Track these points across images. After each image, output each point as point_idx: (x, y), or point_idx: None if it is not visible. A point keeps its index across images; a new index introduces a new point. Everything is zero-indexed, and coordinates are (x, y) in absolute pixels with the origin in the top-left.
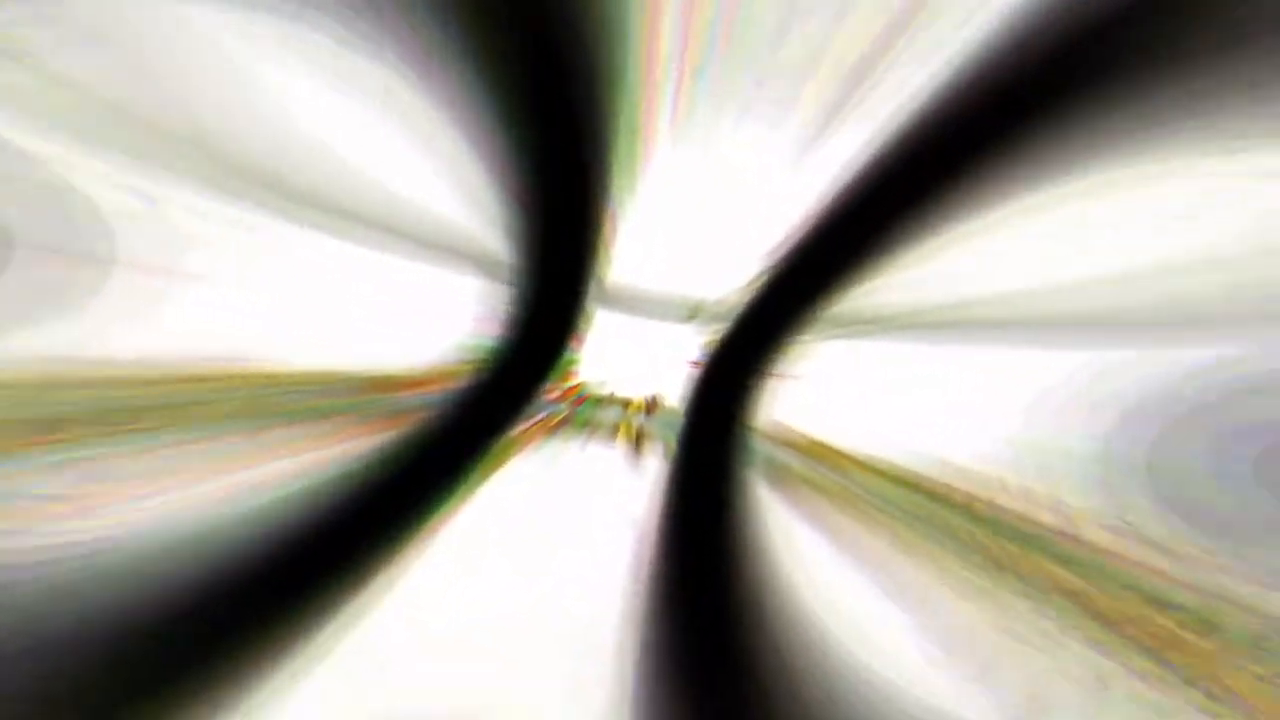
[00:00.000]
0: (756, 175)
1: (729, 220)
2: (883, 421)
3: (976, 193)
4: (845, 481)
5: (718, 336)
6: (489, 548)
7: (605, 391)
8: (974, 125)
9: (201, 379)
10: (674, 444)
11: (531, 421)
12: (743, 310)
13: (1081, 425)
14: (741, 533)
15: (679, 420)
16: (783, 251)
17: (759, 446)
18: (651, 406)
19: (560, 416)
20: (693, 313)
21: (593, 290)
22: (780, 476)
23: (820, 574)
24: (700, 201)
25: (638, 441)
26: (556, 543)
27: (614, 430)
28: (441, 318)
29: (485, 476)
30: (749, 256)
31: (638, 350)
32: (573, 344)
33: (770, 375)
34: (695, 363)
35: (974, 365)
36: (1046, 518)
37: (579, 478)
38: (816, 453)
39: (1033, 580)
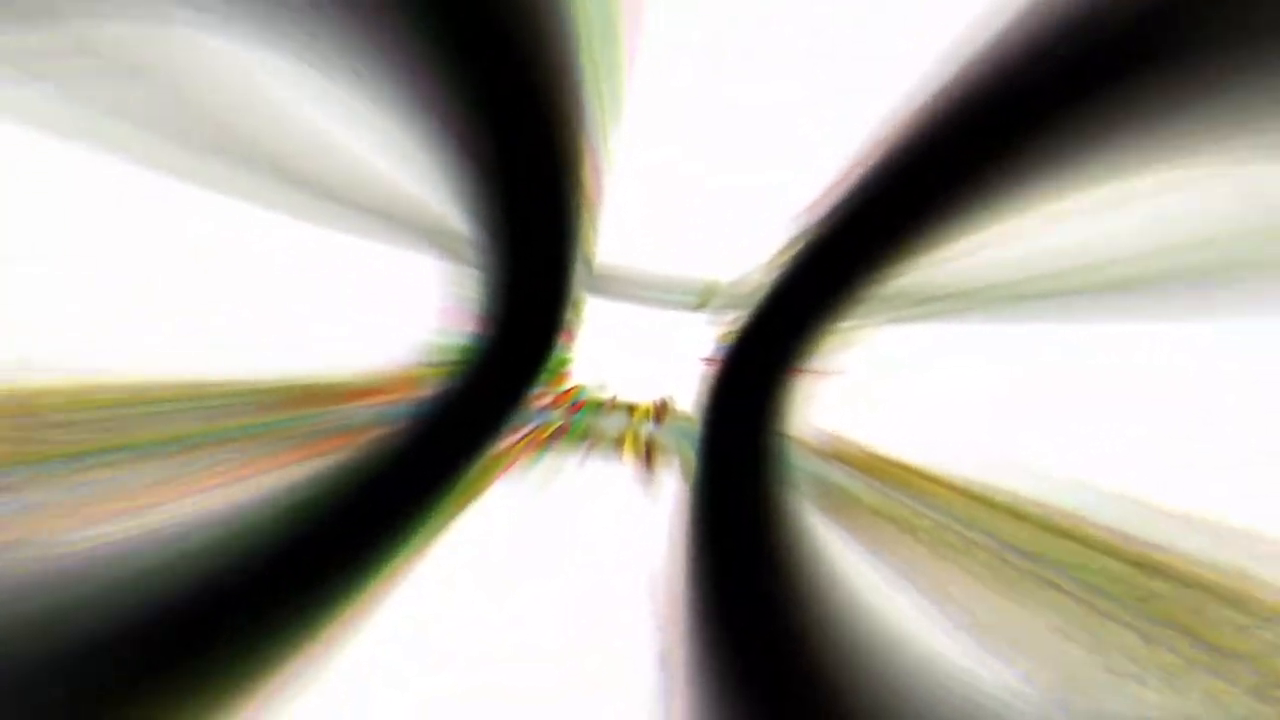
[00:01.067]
0: (778, 123)
1: (744, 182)
2: (956, 424)
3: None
4: (920, 507)
5: (737, 326)
6: (467, 596)
7: (605, 395)
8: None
9: (100, 394)
10: (693, 459)
11: (518, 435)
12: (768, 292)
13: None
14: (794, 577)
15: (696, 429)
16: (819, 216)
17: (800, 461)
18: (661, 412)
19: (553, 428)
20: (704, 298)
21: (580, 274)
22: (834, 500)
23: (901, 629)
24: (707, 160)
25: (649, 456)
26: (552, 590)
27: (619, 443)
28: (401, 310)
29: (461, 506)
30: (772, 225)
31: (641, 345)
32: (563, 340)
33: (805, 372)
34: (710, 359)
35: (1066, 347)
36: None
37: (578, 503)
38: (876, 469)
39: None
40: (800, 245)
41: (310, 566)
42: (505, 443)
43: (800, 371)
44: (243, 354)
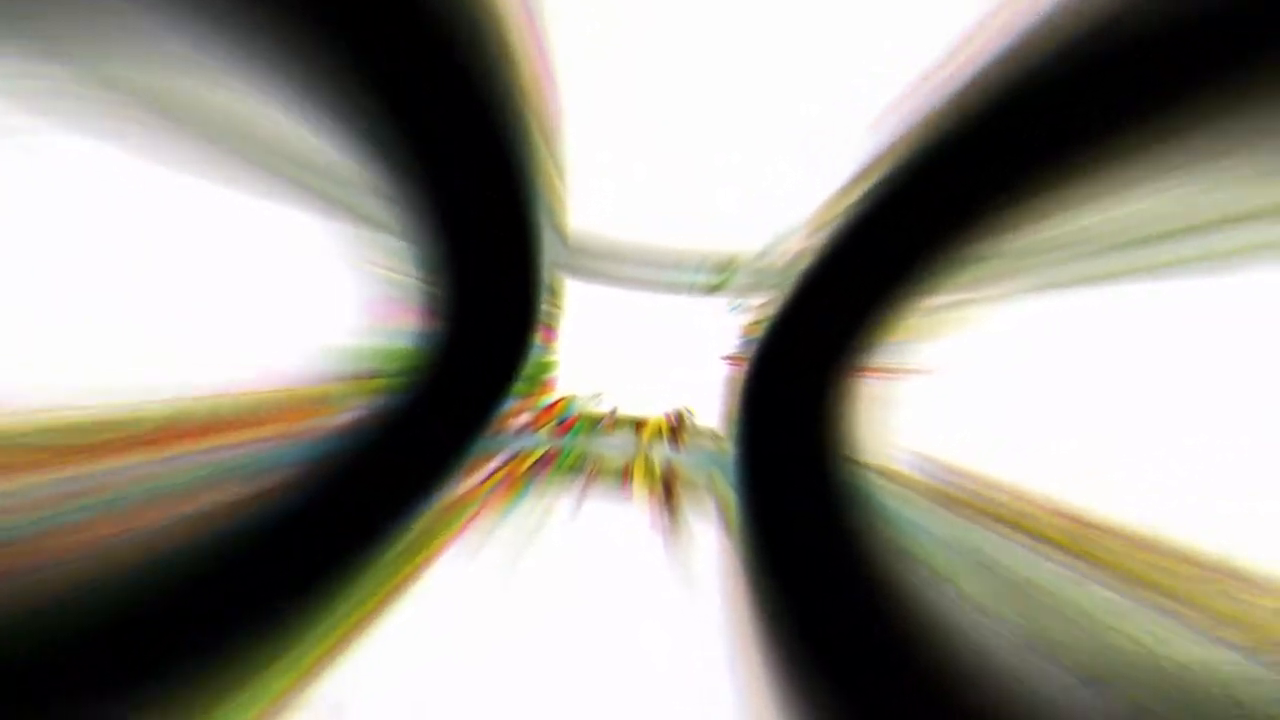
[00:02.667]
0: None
1: (770, 118)
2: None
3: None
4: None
5: (771, 311)
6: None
7: (602, 409)
8: None
9: None
10: (731, 494)
11: (485, 471)
12: (812, 264)
13: None
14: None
15: (728, 451)
16: (889, 156)
17: (887, 501)
18: (679, 430)
19: (534, 457)
20: (724, 276)
21: (553, 247)
22: (947, 557)
23: None
24: (721, 94)
25: (668, 492)
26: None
27: (625, 473)
28: (311, 305)
29: (403, 580)
30: (813, 171)
31: (644, 341)
32: (541, 338)
33: (868, 371)
34: (735, 357)
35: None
36: None
37: (578, 568)
38: (985, 506)
39: None
40: (861, 195)
41: (209, 651)
42: (467, 482)
43: (862, 371)
44: (97, 370)
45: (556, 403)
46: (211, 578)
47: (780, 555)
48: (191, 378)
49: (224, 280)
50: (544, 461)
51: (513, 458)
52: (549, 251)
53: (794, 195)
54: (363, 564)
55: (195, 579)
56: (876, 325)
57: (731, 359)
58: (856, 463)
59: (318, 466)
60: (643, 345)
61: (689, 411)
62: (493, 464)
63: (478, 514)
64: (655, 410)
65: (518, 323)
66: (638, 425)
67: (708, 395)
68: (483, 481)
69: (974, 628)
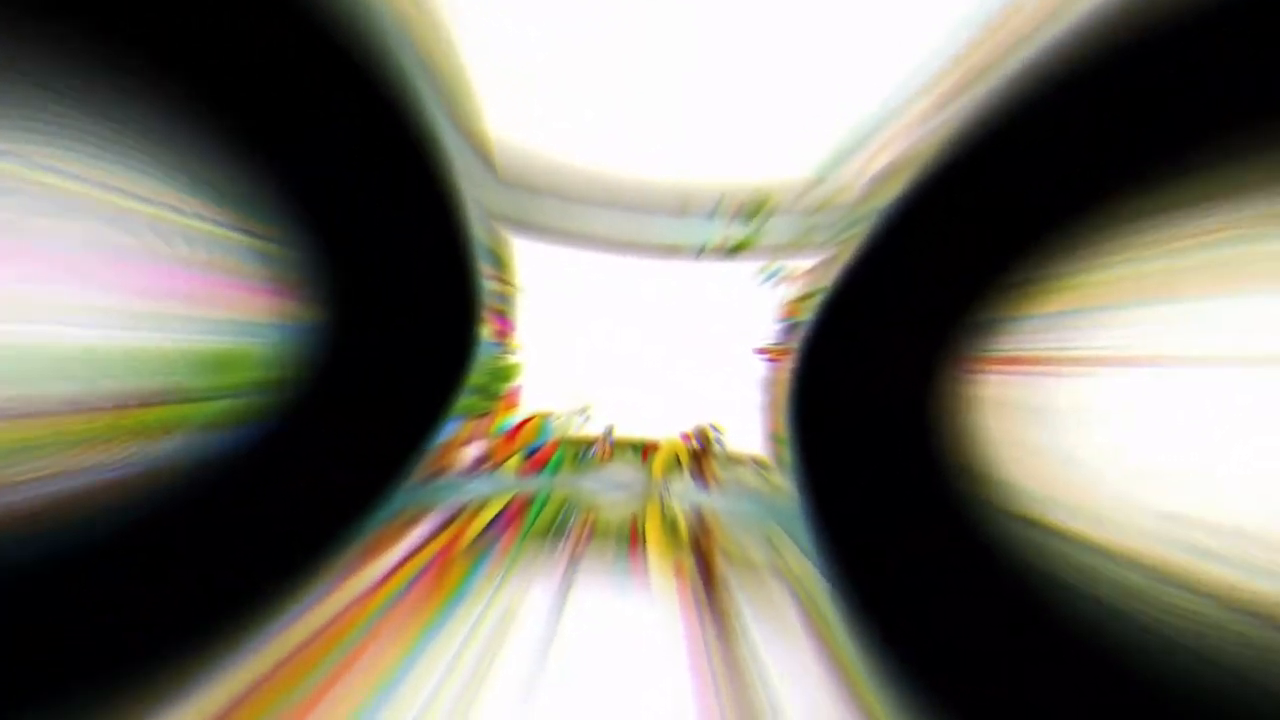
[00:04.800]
0: None
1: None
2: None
3: None
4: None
5: (828, 281)
6: None
7: (591, 430)
8: None
9: None
10: (804, 560)
11: (414, 538)
12: (896, 207)
13: None
14: None
15: (783, 488)
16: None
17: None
18: (703, 457)
19: (492, 510)
20: (750, 227)
21: (478, 184)
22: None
23: None
24: None
25: (702, 563)
26: None
27: (631, 533)
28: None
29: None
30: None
31: (640, 330)
32: (490, 329)
33: (978, 363)
34: (776, 348)
35: None
36: None
37: (564, 698)
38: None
39: None
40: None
41: None
42: (375, 561)
43: (969, 363)
44: None
45: (524, 423)
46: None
47: (907, 650)
48: None
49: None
50: (508, 517)
51: (457, 515)
52: (473, 191)
53: (859, 93)
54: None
55: None
56: (993, 296)
57: (770, 352)
58: (980, 498)
59: (145, 520)
60: (641, 334)
61: (715, 429)
62: (423, 527)
63: (398, 615)
64: (667, 430)
65: (445, 305)
66: (645, 453)
67: (739, 405)
68: (407, 558)
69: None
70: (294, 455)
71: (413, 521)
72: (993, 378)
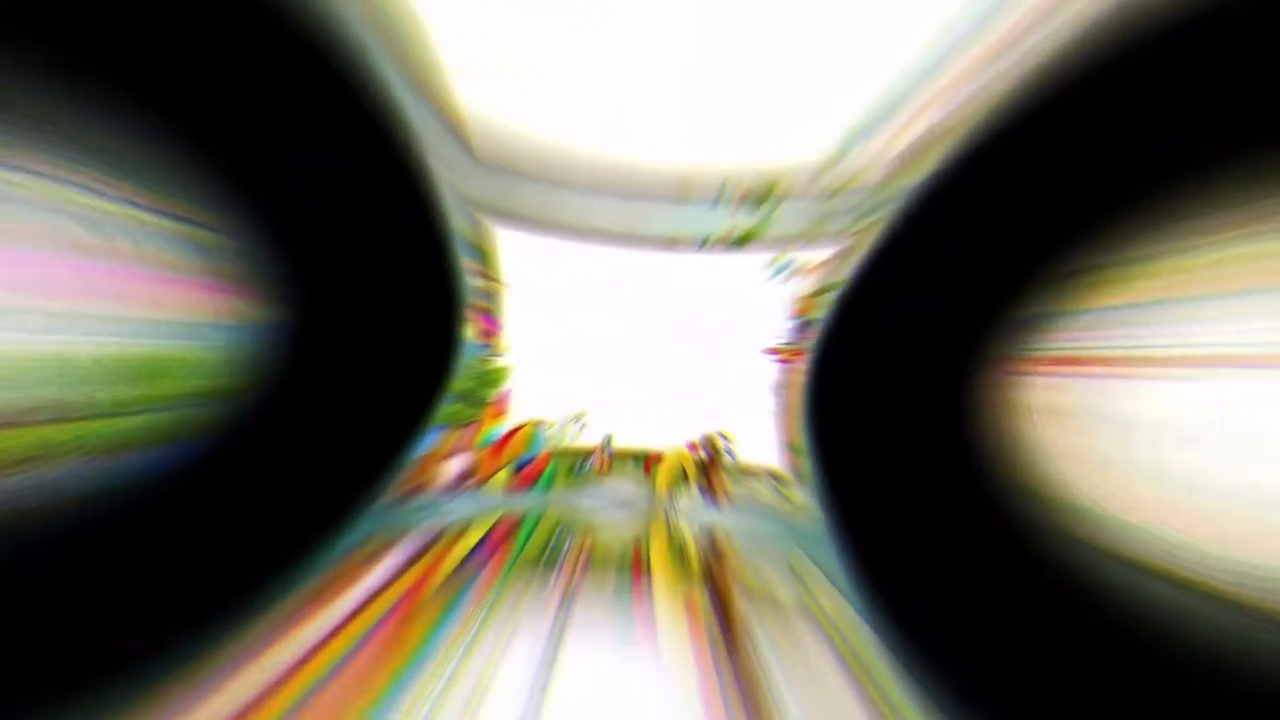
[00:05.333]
0: None
1: None
2: None
3: None
4: None
5: (848, 273)
6: None
7: (588, 440)
8: None
9: None
10: (834, 589)
11: (386, 568)
12: (925, 189)
13: None
14: None
15: (805, 506)
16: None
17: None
18: (712, 469)
19: (477, 533)
20: (759, 214)
21: (455, 168)
22: None
23: None
24: None
25: (717, 594)
26: None
27: (634, 559)
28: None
29: None
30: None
31: (638, 327)
32: (474, 329)
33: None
34: (788, 347)
35: None
36: None
37: None
38: None
39: None
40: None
41: None
42: (340, 597)
43: (1012, 364)
44: None
45: (513, 434)
46: None
47: (963, 696)
48: None
49: None
50: (493, 543)
51: (433, 542)
52: (448, 175)
53: (881, 61)
54: None
55: None
56: (1038, 289)
57: (782, 352)
58: (1028, 517)
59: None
60: (641, 334)
61: (724, 439)
62: (392, 558)
63: (355, 671)
64: (672, 439)
65: (422, 302)
66: (647, 465)
67: (749, 411)
68: (370, 599)
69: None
70: (243, 475)
71: (380, 552)
72: (1040, 380)
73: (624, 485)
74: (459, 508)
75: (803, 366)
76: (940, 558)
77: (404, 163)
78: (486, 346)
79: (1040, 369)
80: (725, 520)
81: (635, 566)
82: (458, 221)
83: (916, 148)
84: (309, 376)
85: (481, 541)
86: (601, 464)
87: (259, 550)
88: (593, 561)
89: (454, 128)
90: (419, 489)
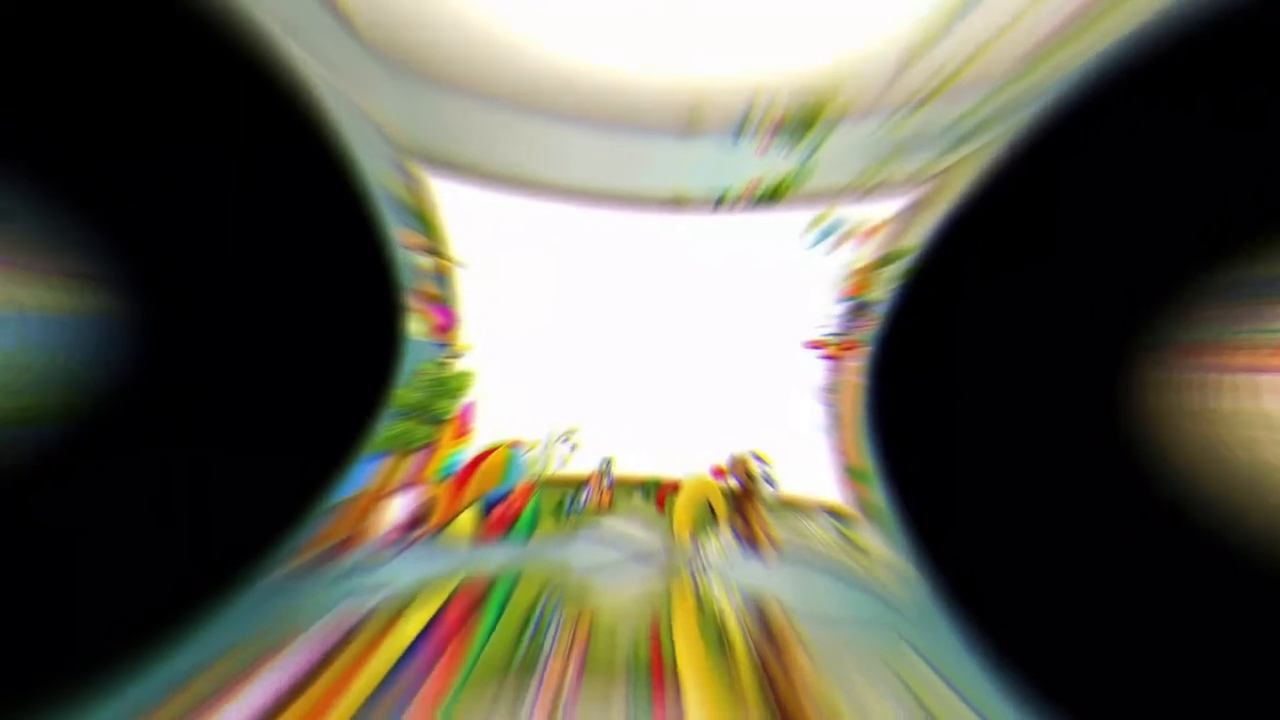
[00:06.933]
0: None
1: None
2: None
3: None
4: None
5: (927, 235)
6: None
7: (582, 466)
8: None
9: None
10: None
11: (288, 674)
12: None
13: None
14: None
15: (883, 555)
16: None
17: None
18: (747, 502)
19: (425, 611)
20: (798, 157)
21: (390, 101)
22: None
23: None
24: None
25: (771, 682)
26: None
27: (653, 642)
28: None
29: None
30: None
31: (639, 321)
32: (426, 323)
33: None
34: (838, 340)
35: None
36: None
37: None
38: None
39: None
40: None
41: None
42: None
43: (1174, 354)
44: None
45: (480, 459)
46: None
47: None
48: None
49: None
50: (447, 629)
51: (357, 629)
52: (364, 105)
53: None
54: None
55: None
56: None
57: (829, 346)
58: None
59: None
60: (644, 325)
61: (759, 461)
62: (294, 656)
63: None
64: (690, 463)
65: (337, 287)
66: (660, 497)
67: (789, 425)
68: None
69: None
70: (63, 529)
71: (266, 654)
72: (1211, 374)
73: (631, 527)
74: (399, 573)
75: (860, 364)
76: (1108, 641)
77: (287, 92)
78: (440, 345)
79: (1211, 359)
80: (775, 582)
81: (654, 660)
82: (378, 171)
83: (1056, 33)
84: (168, 390)
85: (429, 627)
86: (600, 498)
87: (93, 642)
88: (592, 652)
89: (353, 24)
90: (341, 548)
